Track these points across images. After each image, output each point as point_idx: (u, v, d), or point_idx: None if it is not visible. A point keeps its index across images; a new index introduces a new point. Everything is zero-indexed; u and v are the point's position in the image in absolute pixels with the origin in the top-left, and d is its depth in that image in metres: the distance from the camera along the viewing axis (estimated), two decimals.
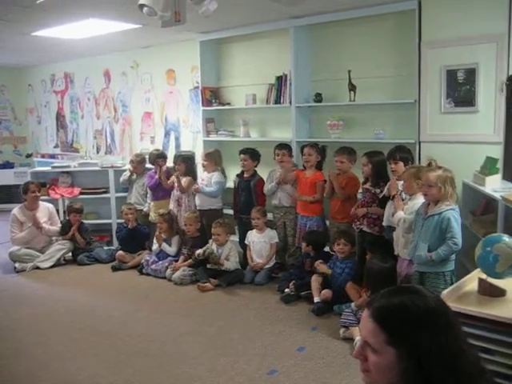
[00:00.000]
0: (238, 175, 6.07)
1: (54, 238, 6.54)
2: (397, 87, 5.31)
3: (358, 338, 3.78)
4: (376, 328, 1.33)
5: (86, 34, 6.39)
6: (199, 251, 5.57)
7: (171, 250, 6.05)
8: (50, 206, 6.69)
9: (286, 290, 5.05)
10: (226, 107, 6.75)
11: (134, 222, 6.43)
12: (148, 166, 6.86)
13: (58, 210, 6.83)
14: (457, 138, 4.71)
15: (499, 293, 2.48)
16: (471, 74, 4.60)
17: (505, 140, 4.47)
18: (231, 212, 6.17)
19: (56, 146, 10.06)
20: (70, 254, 6.55)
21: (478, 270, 2.61)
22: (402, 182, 4.39)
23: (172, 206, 6.34)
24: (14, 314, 4.86)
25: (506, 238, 2.52)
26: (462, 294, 2.54)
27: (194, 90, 7.18)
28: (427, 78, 4.85)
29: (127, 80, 8.21)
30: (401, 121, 5.29)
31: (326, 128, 5.60)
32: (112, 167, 7.13)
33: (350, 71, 5.42)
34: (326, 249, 5.24)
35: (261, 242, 5.68)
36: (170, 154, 7.02)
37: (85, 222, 6.73)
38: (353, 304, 4.30)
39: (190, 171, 6.38)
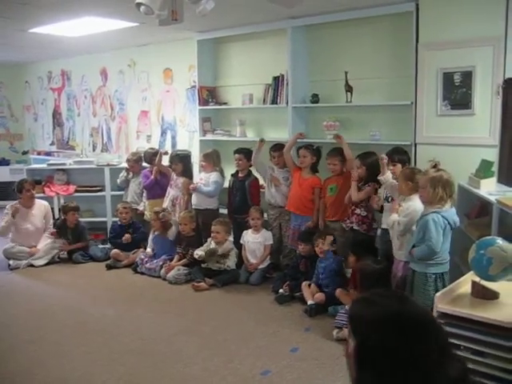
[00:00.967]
0: (232, 175, 6.07)
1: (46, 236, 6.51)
2: (393, 89, 5.32)
3: None
4: (348, 320, 1.52)
5: (84, 32, 6.37)
6: (200, 253, 5.55)
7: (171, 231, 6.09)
8: (46, 203, 6.67)
9: (280, 290, 5.05)
10: (223, 107, 6.74)
11: (128, 220, 6.43)
12: (144, 164, 6.85)
13: (52, 209, 6.80)
14: (453, 140, 4.71)
15: (492, 295, 2.49)
16: (468, 76, 4.61)
17: (500, 143, 4.48)
18: (226, 212, 6.16)
19: (52, 144, 10.04)
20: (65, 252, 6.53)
21: (472, 272, 2.61)
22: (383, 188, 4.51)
23: (166, 204, 6.32)
24: (8, 310, 4.87)
25: (499, 240, 2.53)
26: (455, 296, 2.55)
27: (190, 89, 7.17)
28: (424, 80, 4.85)
29: (124, 78, 8.19)
30: (397, 122, 5.30)
31: (322, 129, 5.60)
32: (108, 165, 7.12)
33: (346, 72, 5.42)
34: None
35: (255, 243, 5.67)
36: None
37: (80, 220, 6.72)
38: (347, 306, 4.31)
39: (187, 170, 6.37)
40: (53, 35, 6.55)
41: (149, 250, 6.12)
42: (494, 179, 4.27)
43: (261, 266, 5.63)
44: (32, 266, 6.18)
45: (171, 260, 5.88)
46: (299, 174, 5.51)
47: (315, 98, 5.77)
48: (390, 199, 4.58)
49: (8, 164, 10.04)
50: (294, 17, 5.63)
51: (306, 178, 5.46)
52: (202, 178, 6.10)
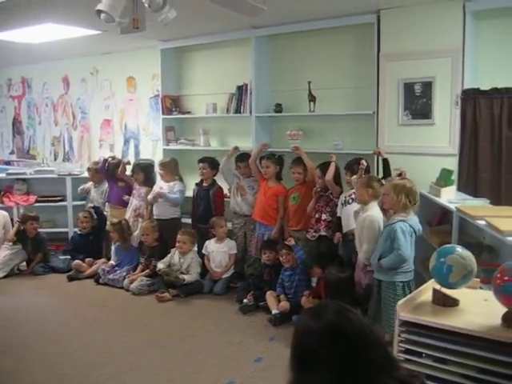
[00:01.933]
0: (197, 184, 6.04)
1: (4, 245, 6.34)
2: (356, 99, 5.38)
3: None
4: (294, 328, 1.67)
5: (45, 39, 6.26)
6: (161, 266, 5.51)
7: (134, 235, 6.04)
8: (5, 213, 6.51)
9: (245, 300, 5.03)
10: (187, 116, 6.71)
11: (88, 228, 6.34)
12: None
13: (12, 219, 6.64)
14: (414, 149, 4.80)
15: (452, 303, 2.52)
16: (428, 87, 4.70)
17: (459, 152, 4.58)
18: (189, 221, 6.12)
19: (12, 153, 9.81)
20: (25, 263, 6.38)
21: (433, 280, 2.65)
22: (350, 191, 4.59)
23: (128, 215, 6.24)
24: None
25: (459, 248, 2.57)
26: (416, 304, 2.57)
27: (154, 97, 7.12)
28: (385, 90, 4.93)
29: (86, 86, 8.08)
30: (359, 132, 5.36)
31: (285, 138, 5.62)
32: (70, 175, 7.03)
33: (310, 82, 5.46)
34: None
35: (220, 253, 5.64)
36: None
37: (40, 230, 6.58)
38: None
39: (149, 180, 6.31)
40: (12, 42, 6.41)
41: (111, 262, 6.03)
42: (453, 187, 4.35)
43: (225, 276, 5.60)
44: None
45: (134, 270, 5.80)
46: (265, 184, 5.52)
47: (278, 108, 5.80)
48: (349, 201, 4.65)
49: None
50: (256, 26, 5.66)
51: (271, 186, 5.48)
52: (162, 187, 6.01)
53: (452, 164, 4.55)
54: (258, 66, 5.83)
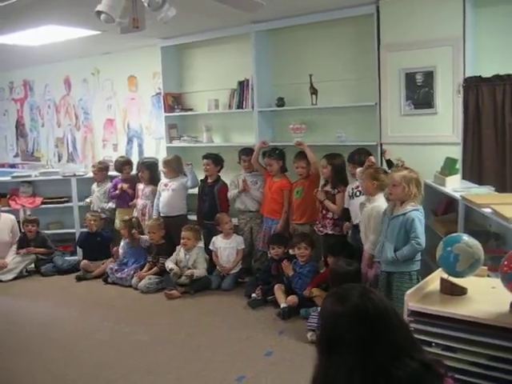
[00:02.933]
0: (201, 180, 6.05)
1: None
2: (358, 90, 5.37)
3: None
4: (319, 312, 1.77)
5: (45, 41, 6.26)
6: (171, 266, 5.53)
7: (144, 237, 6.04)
8: (12, 217, 6.56)
9: (253, 294, 5.05)
10: (189, 113, 6.71)
11: (96, 228, 6.38)
12: (112, 173, 6.79)
13: (19, 222, 6.67)
14: (417, 139, 4.78)
15: (460, 291, 2.52)
16: (429, 76, 4.69)
17: (463, 141, 4.57)
18: (195, 218, 6.13)
19: (16, 156, 9.85)
20: (33, 265, 6.42)
21: (440, 269, 2.65)
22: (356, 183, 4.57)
23: (136, 214, 6.28)
24: None
25: (465, 237, 2.57)
26: (424, 293, 2.57)
27: (156, 96, 7.12)
28: (387, 80, 4.92)
29: (88, 87, 8.09)
30: (362, 123, 5.35)
31: (289, 132, 5.62)
32: (74, 176, 7.04)
33: (311, 75, 5.46)
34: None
35: (228, 248, 5.67)
36: (134, 161, 6.93)
37: (47, 231, 6.63)
38: (319, 307, 4.32)
39: (154, 178, 6.34)
40: (13, 45, 6.42)
41: (120, 252, 6.09)
42: (458, 176, 4.34)
43: (233, 271, 5.62)
44: (0, 280, 6.05)
45: (142, 268, 5.83)
46: (271, 178, 5.54)
47: (280, 102, 5.80)
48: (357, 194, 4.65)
49: None
50: (256, 21, 5.65)
51: (276, 181, 5.49)
52: (168, 185, 6.05)
53: (456, 153, 4.53)
54: (259, 60, 5.83)
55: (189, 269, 5.53)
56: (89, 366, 3.89)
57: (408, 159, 4.49)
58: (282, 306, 4.69)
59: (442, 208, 4.53)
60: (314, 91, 5.50)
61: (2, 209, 6.51)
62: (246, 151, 5.75)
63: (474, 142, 4.53)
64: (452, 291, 2.52)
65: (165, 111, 6.71)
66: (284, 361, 3.81)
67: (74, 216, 6.98)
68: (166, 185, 6.07)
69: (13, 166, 9.60)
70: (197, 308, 5.04)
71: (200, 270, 5.55)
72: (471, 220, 3.96)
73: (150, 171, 6.32)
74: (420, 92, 4.76)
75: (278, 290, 4.89)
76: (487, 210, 3.38)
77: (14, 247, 6.35)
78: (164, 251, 5.76)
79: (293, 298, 4.72)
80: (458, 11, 4.46)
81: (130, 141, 7.65)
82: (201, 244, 5.75)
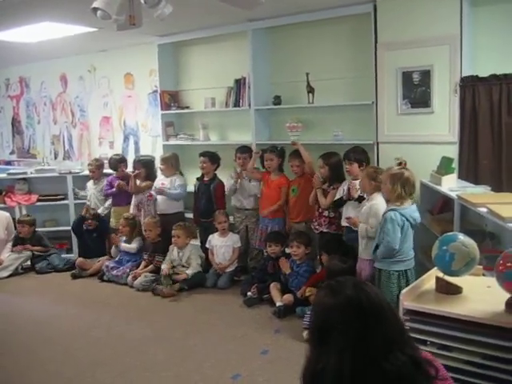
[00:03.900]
0: (198, 178, 6.04)
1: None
2: (354, 89, 5.37)
3: None
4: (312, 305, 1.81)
5: (42, 38, 6.24)
6: (163, 266, 5.52)
7: (131, 246, 5.99)
8: (7, 214, 6.54)
9: (249, 293, 5.04)
10: (185, 111, 6.70)
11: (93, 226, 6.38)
12: (107, 171, 6.77)
13: (14, 219, 6.65)
14: (413, 138, 4.79)
15: (455, 290, 2.53)
16: (426, 75, 4.69)
17: (459, 140, 4.58)
18: (192, 216, 6.13)
19: (12, 153, 9.81)
20: (29, 262, 6.40)
21: (436, 268, 2.65)
22: (358, 182, 4.51)
23: (132, 211, 6.26)
24: None
25: (461, 236, 2.57)
26: (420, 292, 2.58)
27: (152, 93, 7.11)
28: (384, 79, 4.92)
29: (84, 84, 8.07)
30: (359, 122, 5.35)
31: (285, 130, 5.62)
32: (70, 173, 7.02)
33: (308, 73, 5.45)
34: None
35: (224, 246, 5.66)
36: (130, 159, 6.93)
37: (43, 229, 6.61)
38: None
39: (150, 175, 6.32)
40: (9, 41, 6.40)
41: (121, 242, 6.09)
42: (454, 175, 4.35)
43: (229, 270, 5.62)
44: None
45: (137, 267, 5.81)
46: (268, 177, 5.54)
47: (277, 100, 5.79)
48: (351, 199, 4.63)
49: None
50: (253, 19, 5.64)
51: (274, 179, 5.50)
52: (165, 183, 6.04)
53: (452, 152, 4.54)
54: (256, 58, 5.82)
55: (183, 266, 5.53)
56: (85, 363, 3.88)
57: (404, 158, 4.50)
58: (278, 304, 4.70)
59: (438, 207, 4.53)
60: (310, 90, 5.49)
61: None
62: (242, 149, 5.75)
63: (471, 142, 4.53)
64: (447, 290, 2.53)
65: (161, 109, 6.69)
66: (280, 359, 3.81)
67: (70, 213, 6.95)
68: (162, 183, 6.05)
69: (8, 163, 9.58)
70: (193, 306, 5.04)
71: (193, 267, 5.54)
72: (467, 219, 3.96)
73: (146, 169, 6.30)
74: (417, 91, 4.76)
75: (274, 289, 4.90)
76: (483, 210, 3.38)
77: (9, 244, 6.35)
78: (160, 249, 5.76)
79: (289, 297, 4.72)
80: (455, 10, 4.45)
81: (126, 138, 7.63)
82: (194, 241, 5.74)
